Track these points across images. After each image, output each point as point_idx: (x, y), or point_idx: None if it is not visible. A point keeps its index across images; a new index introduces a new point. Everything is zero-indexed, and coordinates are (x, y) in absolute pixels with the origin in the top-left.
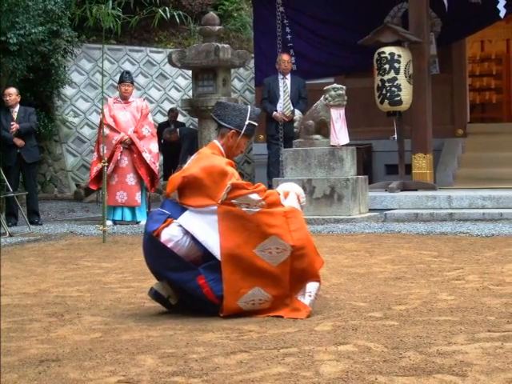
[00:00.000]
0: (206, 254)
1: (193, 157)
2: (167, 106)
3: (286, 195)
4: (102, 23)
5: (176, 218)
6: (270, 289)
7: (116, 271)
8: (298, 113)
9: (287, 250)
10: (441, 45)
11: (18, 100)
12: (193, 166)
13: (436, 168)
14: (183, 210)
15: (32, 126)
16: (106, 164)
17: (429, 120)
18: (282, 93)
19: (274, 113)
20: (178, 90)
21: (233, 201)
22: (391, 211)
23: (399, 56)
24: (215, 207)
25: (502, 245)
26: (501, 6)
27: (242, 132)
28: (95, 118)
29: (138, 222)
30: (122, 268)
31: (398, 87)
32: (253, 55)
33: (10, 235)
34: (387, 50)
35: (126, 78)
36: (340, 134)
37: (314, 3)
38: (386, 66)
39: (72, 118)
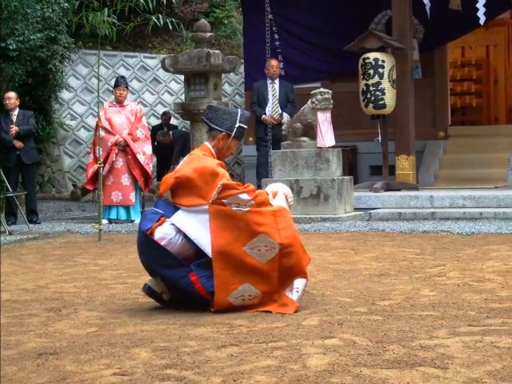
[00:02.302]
0: (198, 252)
1: (185, 158)
2: (160, 110)
3: (275, 195)
4: (98, 30)
5: (169, 217)
6: (259, 285)
7: (111, 268)
8: (286, 116)
9: (275, 247)
10: (423, 50)
11: (18, 104)
12: (185, 167)
13: (418, 169)
14: (176, 209)
15: (31, 128)
16: (102, 165)
17: (411, 123)
18: (270, 97)
19: (263, 116)
20: (171, 94)
21: (223, 200)
22: (375, 210)
23: (383, 61)
24: (207, 206)
25: (481, 243)
26: (481, 13)
27: (232, 134)
28: (91, 121)
29: (132, 221)
30: (117, 265)
31: (382, 91)
32: (243, 61)
33: (10, 234)
34: (372, 55)
35: (120, 82)
36: (326, 136)
37: (301, 11)
38: (371, 71)
39: (69, 120)
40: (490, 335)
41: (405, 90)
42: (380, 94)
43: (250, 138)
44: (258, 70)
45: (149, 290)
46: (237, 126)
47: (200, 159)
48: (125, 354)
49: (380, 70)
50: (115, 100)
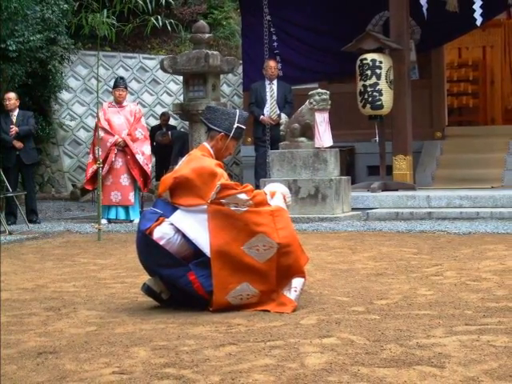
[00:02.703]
0: (197, 251)
1: (184, 158)
2: (159, 110)
3: (273, 195)
4: (97, 31)
5: (168, 217)
6: (257, 284)
7: (110, 267)
8: (284, 116)
9: (274, 247)
10: (420, 51)
11: (17, 104)
12: (184, 167)
13: (415, 169)
14: (175, 209)
15: (30, 129)
16: (101, 165)
17: (409, 123)
18: (268, 97)
19: (261, 116)
20: (170, 95)
21: (222, 200)
22: (373, 210)
23: (380, 62)
24: (205, 206)
25: (478, 242)
26: (477, 14)
27: (231, 135)
28: (91, 122)
29: (131, 221)
30: (116, 264)
31: (380, 92)
32: (241, 62)
33: (10, 233)
34: (369, 56)
35: (120, 83)
36: (324, 136)
37: (299, 12)
38: (368, 72)
39: (68, 121)
40: (486, 334)
41: (402, 90)
42: (377, 94)
43: (249, 139)
44: (257, 70)
45: (148, 290)
46: (235, 126)
47: (199, 159)
48: (124, 353)
49: (377, 71)
50: (114, 101)
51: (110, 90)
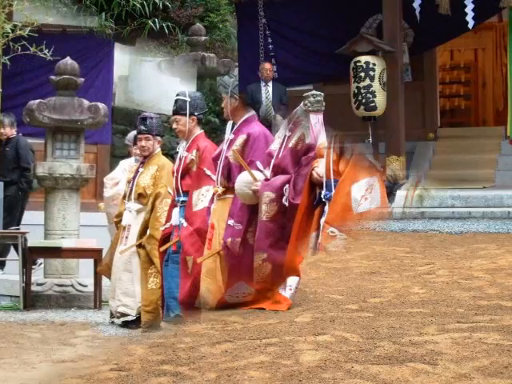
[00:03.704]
0: None
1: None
2: None
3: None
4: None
5: None
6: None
7: None
8: (279, 118)
9: None
10: (413, 54)
11: None
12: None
13: (408, 169)
14: None
15: None
16: None
17: (402, 124)
18: (264, 99)
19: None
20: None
21: None
22: None
23: (374, 64)
24: None
25: (470, 241)
26: (469, 17)
27: None
28: None
29: None
30: None
31: (373, 94)
32: (237, 64)
33: None
34: (363, 58)
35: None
36: (318, 137)
37: (294, 15)
38: (362, 74)
39: None
40: (478, 332)
41: (395, 92)
42: (371, 96)
43: None
44: (252, 72)
45: None
46: None
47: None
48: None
49: (371, 73)
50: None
51: None
